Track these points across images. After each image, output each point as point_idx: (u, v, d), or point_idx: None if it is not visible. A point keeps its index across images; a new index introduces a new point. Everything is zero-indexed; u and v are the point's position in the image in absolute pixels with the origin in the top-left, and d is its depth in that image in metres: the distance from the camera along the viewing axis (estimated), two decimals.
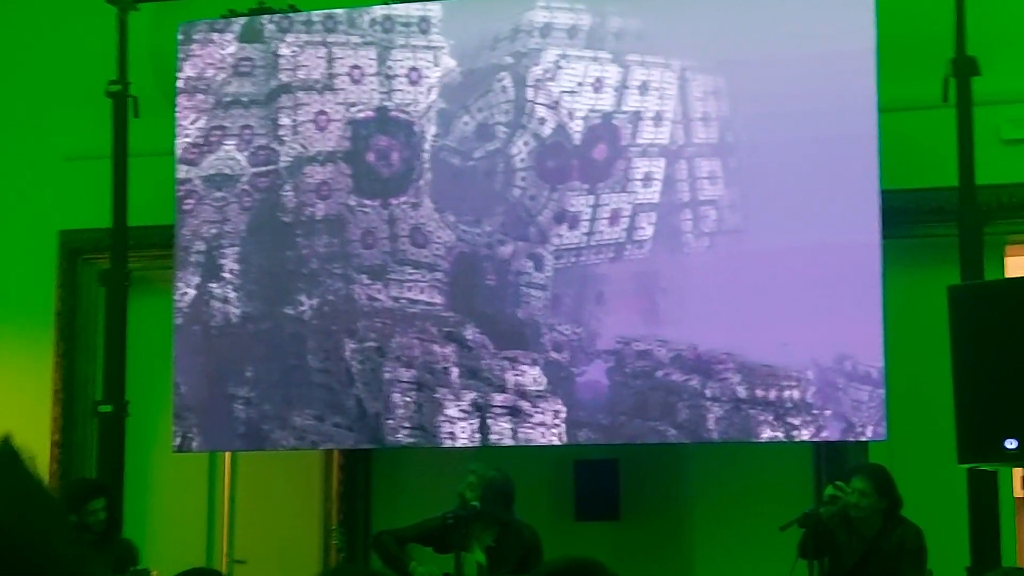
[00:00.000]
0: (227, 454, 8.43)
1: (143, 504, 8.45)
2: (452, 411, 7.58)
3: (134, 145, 8.10)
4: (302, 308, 7.83)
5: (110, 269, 8.10)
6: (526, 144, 7.67)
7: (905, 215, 7.52)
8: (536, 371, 7.51)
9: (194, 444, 7.93)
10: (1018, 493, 7.19)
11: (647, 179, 7.49)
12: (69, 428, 8.60)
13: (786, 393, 7.17)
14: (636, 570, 7.61)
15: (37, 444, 8.44)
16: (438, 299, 7.71)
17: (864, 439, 7.24)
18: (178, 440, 7.91)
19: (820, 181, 7.21)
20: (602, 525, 7.86)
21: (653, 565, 7.87)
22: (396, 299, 7.73)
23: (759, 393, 7.19)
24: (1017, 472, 6.50)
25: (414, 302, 7.71)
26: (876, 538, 6.68)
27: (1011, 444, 5.56)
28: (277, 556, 8.19)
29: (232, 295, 7.92)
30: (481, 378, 7.57)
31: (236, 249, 7.94)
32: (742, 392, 7.23)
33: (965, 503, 6.89)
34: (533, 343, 7.54)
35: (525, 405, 7.51)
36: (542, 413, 7.49)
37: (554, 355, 7.51)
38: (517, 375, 7.53)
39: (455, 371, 7.60)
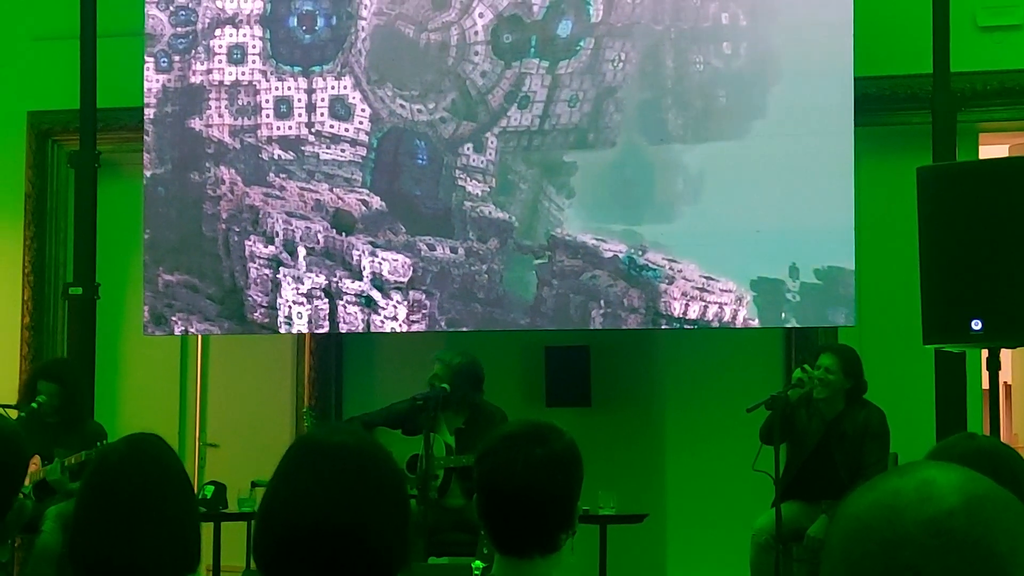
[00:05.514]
0: (199, 337, 8.43)
1: (114, 387, 8.45)
2: (290, 294, 7.52)
3: (103, 26, 7.99)
4: (207, 175, 7.75)
5: (79, 151, 8.01)
6: (481, 16, 7.43)
7: (879, 102, 7.50)
8: (400, 259, 7.33)
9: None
10: (985, 385, 7.21)
11: (619, 61, 7.29)
12: (39, 311, 8.57)
13: (711, 311, 7.07)
14: (607, 456, 7.65)
15: (8, 327, 8.49)
16: (356, 175, 7.57)
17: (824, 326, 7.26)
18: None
19: (794, 69, 7.13)
20: (573, 411, 7.87)
21: (624, 450, 7.91)
22: (310, 172, 7.58)
23: (679, 308, 7.08)
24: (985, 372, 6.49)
25: (329, 176, 7.57)
26: (837, 420, 6.68)
27: (976, 325, 5.58)
28: (249, 440, 8.20)
29: (144, 156, 7.85)
30: (338, 261, 7.46)
31: (151, 111, 7.84)
32: (662, 307, 7.10)
33: (933, 389, 6.92)
34: (458, 231, 7.37)
35: (377, 296, 7.41)
36: (396, 306, 7.38)
37: (477, 244, 7.33)
38: (377, 263, 7.36)
39: (302, 251, 7.49)
